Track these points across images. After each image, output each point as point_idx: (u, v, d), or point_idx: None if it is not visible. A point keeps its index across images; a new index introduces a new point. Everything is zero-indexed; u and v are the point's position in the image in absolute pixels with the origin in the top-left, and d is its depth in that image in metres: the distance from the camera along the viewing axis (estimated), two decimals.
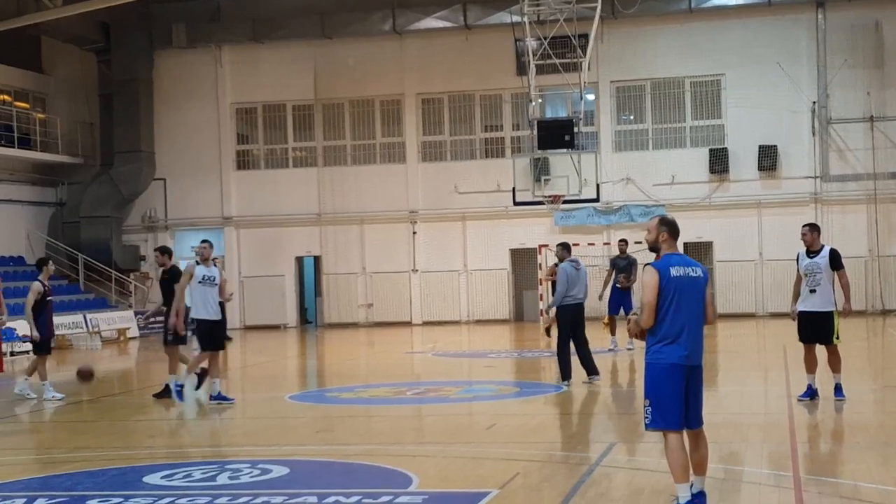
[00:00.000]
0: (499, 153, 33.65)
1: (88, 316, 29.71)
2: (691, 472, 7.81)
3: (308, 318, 35.79)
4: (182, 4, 33.94)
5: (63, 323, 28.23)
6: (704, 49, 32.09)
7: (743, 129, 31.72)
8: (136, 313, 30.55)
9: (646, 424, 7.90)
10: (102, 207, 34.05)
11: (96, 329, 29.61)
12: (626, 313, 19.52)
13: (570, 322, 15.69)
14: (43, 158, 33.53)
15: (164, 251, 16.34)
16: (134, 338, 31.19)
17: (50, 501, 8.90)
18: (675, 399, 7.77)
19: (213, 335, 15.01)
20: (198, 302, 14.89)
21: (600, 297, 21.51)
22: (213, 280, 14.94)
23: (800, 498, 8.35)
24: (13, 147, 31.98)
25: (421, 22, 33.30)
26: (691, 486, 7.77)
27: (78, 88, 35.16)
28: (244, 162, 35.58)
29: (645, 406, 7.89)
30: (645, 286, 7.80)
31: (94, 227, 33.88)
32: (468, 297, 33.42)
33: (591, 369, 15.99)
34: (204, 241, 15.25)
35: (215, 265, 15.22)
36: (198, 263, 14.95)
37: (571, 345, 15.89)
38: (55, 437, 13.25)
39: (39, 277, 16.73)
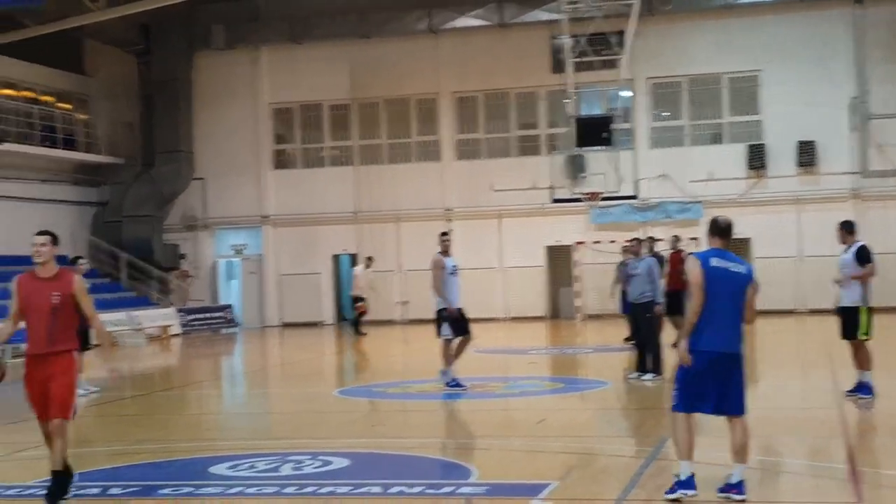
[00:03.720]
0: (534, 151, 33.81)
1: (132, 313, 30.14)
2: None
3: (345, 315, 36.00)
4: (221, 6, 34.28)
5: (108, 320, 28.33)
6: (741, 45, 32.11)
7: (781, 125, 31.72)
8: None
9: (671, 406, 8.34)
10: (143, 207, 34.49)
11: (140, 326, 30.04)
12: None
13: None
14: (86, 159, 33.97)
15: None
16: (176, 335, 31.59)
17: (124, 491, 9.17)
18: (700, 385, 8.15)
19: (462, 322, 15.51)
20: (450, 291, 15.44)
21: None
22: (457, 270, 15.51)
23: (860, 490, 8.47)
24: (57, 148, 32.42)
25: (457, 20, 33.50)
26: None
27: (119, 90, 35.58)
28: (281, 161, 35.91)
29: (673, 389, 8.35)
30: (690, 273, 8.32)
31: (136, 226, 34.31)
32: (504, 294, 33.54)
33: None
34: (445, 234, 15.73)
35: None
36: (440, 255, 15.38)
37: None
38: (118, 430, 13.55)
39: None
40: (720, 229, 8.46)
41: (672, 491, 8.11)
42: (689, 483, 8.08)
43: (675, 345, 8.55)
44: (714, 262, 8.22)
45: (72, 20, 30.36)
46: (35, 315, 8.36)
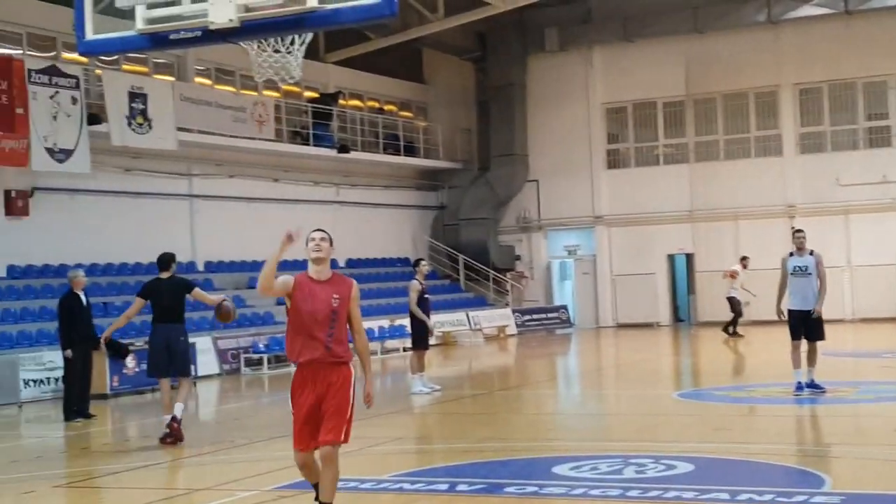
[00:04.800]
0: (884, 142, 31.94)
1: (470, 314, 31.00)
2: None
3: (681, 316, 35.46)
4: (554, 9, 34.58)
5: (447, 320, 29.64)
6: None
7: None
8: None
9: None
10: (480, 209, 35.38)
11: (478, 326, 30.84)
12: None
13: None
14: (425, 164, 35.28)
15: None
16: (512, 335, 32.19)
17: (471, 487, 9.33)
18: None
19: (805, 325, 14.83)
20: (791, 292, 14.96)
21: None
22: (805, 270, 14.81)
23: None
24: (400, 155, 33.89)
25: (798, 10, 32.18)
26: None
27: (456, 96, 36.72)
28: (614, 161, 35.78)
29: None
30: None
31: (473, 228, 35.25)
32: (852, 294, 31.85)
33: None
34: (798, 231, 15.22)
35: (811, 254, 14.97)
36: (791, 255, 14.97)
37: None
38: (460, 428, 13.90)
39: (416, 277, 17.56)
40: None
41: None
42: None
43: None
44: None
45: (413, 31, 31.70)
46: (312, 319, 7.45)
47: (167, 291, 12.83)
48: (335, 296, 7.48)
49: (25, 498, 9.93)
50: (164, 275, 12.96)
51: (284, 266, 7.57)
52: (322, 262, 7.54)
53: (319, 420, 7.43)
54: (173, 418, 12.57)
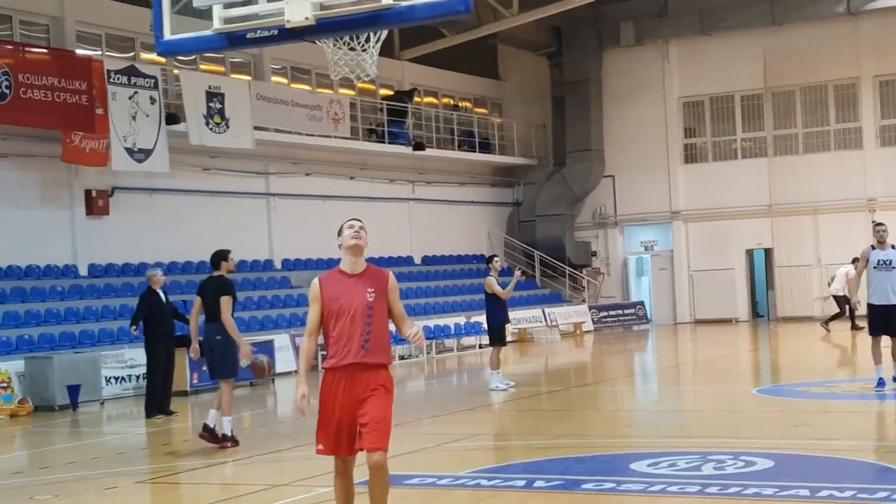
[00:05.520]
0: None
1: (546, 310, 30.92)
2: None
3: (759, 311, 35.02)
4: (630, 3, 34.33)
5: (523, 317, 29.57)
6: None
7: None
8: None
9: None
10: (555, 206, 35.26)
11: (554, 323, 30.74)
12: None
13: None
14: (501, 161, 35.23)
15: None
16: (589, 331, 32.04)
17: (548, 484, 9.31)
18: None
19: (887, 320, 14.45)
20: (873, 286, 14.57)
21: None
22: (890, 264, 14.42)
23: None
24: (475, 151, 33.88)
25: (877, 1, 31.57)
26: None
27: (531, 92, 36.61)
28: (691, 155, 35.42)
29: None
30: None
31: (548, 224, 35.14)
32: None
33: None
34: (880, 224, 14.86)
35: (893, 248, 14.54)
36: (873, 248, 14.59)
37: None
38: (536, 424, 13.87)
39: (489, 273, 17.53)
40: None
41: None
42: None
43: None
44: None
45: (487, 27, 31.63)
46: (346, 317, 6.92)
47: (209, 291, 12.41)
48: (370, 290, 6.92)
49: (108, 494, 10.12)
50: (216, 273, 12.56)
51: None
52: (359, 251, 7.01)
53: (362, 426, 6.88)
54: (204, 426, 12.23)
